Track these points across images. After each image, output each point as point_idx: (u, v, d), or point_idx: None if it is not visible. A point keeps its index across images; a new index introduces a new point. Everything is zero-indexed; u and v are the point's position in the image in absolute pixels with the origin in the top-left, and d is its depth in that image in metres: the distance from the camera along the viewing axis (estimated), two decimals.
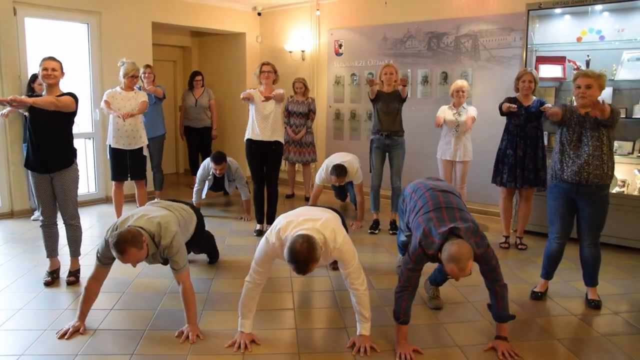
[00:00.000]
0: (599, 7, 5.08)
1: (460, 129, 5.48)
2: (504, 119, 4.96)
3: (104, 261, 3.20)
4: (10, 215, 5.94)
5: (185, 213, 3.77)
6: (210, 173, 5.90)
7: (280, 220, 3.01)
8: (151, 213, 3.32)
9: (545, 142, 5.05)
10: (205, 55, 9.03)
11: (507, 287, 2.98)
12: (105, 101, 5.26)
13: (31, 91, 5.59)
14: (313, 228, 2.83)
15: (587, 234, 3.63)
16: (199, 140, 7.62)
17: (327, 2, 7.51)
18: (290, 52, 7.88)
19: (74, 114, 3.92)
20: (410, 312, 2.98)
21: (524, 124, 4.80)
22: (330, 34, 7.53)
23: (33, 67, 5.97)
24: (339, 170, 5.39)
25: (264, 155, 5.22)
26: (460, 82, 5.59)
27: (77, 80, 6.51)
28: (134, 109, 5.26)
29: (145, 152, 5.53)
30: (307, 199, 6.91)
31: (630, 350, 3.03)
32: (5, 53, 5.66)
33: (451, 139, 5.58)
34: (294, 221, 2.92)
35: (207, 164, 5.93)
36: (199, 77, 7.56)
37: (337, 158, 5.68)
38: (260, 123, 5.12)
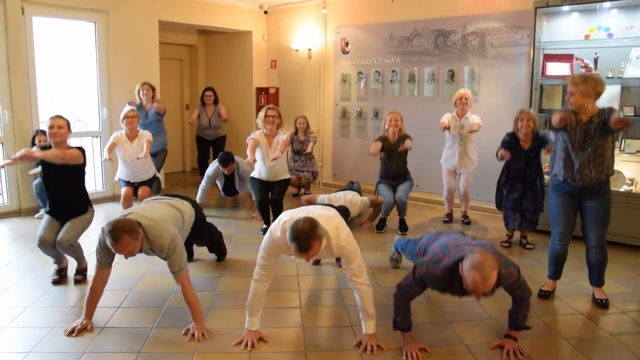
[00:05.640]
0: (607, 4, 5.04)
1: (464, 141, 5.46)
2: (509, 120, 4.90)
3: (103, 262, 3.18)
4: (18, 213, 5.98)
5: (186, 208, 3.72)
6: (220, 172, 5.98)
7: (284, 215, 3.04)
8: (149, 211, 3.26)
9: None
10: (212, 54, 9.04)
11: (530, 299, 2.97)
12: (110, 146, 5.19)
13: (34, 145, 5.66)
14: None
15: (592, 231, 3.58)
16: (211, 148, 7.58)
17: (333, 0, 7.49)
18: (297, 50, 7.87)
19: (82, 166, 3.93)
20: (410, 319, 2.97)
21: (524, 168, 4.75)
22: (337, 32, 7.51)
23: (40, 66, 6.02)
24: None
25: (270, 187, 5.33)
26: (463, 90, 5.56)
27: (84, 78, 6.56)
28: (140, 152, 5.22)
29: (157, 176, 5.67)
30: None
31: (638, 349, 3.01)
32: (13, 51, 5.69)
33: (455, 151, 5.56)
34: (298, 215, 2.92)
35: (217, 164, 6.00)
36: (208, 93, 7.38)
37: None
38: (267, 167, 5.20)
